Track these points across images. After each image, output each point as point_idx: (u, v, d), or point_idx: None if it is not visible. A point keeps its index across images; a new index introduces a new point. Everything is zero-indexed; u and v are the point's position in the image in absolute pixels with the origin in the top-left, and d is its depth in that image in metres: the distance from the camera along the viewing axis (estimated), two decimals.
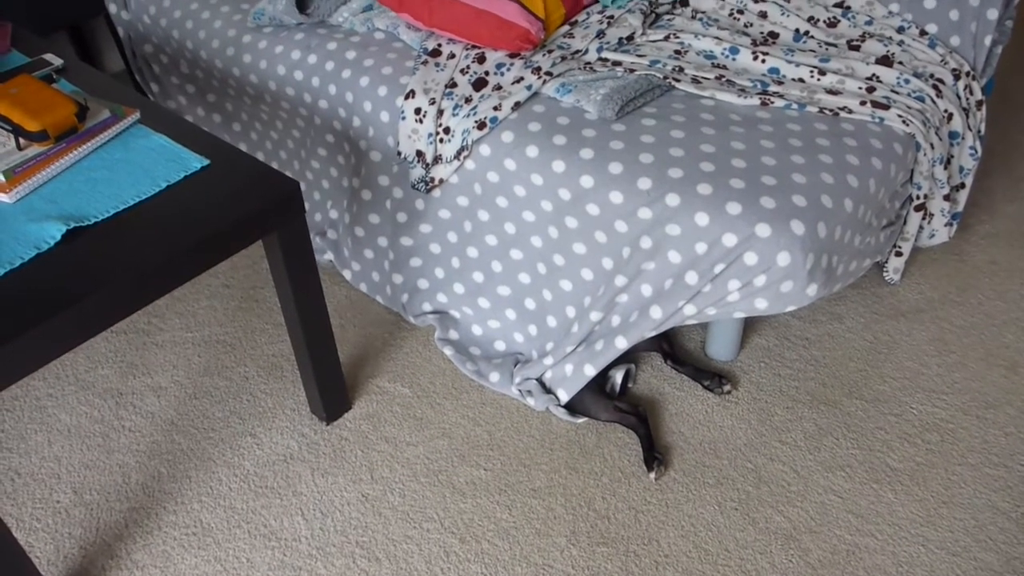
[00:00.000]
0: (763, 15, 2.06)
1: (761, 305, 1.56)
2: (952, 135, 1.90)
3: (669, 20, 2.07)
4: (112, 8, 2.44)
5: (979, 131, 1.98)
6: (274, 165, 2.33)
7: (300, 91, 2.02)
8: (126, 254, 1.29)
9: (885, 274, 2.10)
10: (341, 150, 2.03)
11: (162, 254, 1.30)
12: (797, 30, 2.01)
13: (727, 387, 1.85)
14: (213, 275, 2.20)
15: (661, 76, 1.82)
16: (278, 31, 2.09)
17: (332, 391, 1.77)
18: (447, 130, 1.77)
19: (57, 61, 1.78)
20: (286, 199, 1.43)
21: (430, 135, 1.78)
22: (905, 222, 1.94)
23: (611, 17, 2.01)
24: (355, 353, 1.98)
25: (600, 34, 1.96)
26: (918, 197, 1.86)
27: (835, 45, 1.98)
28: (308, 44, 2.02)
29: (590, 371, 1.74)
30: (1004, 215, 2.38)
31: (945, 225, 2.04)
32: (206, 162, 1.48)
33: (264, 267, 2.22)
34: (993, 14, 1.92)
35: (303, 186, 2.24)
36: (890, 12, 2.04)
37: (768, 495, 1.65)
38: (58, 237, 1.31)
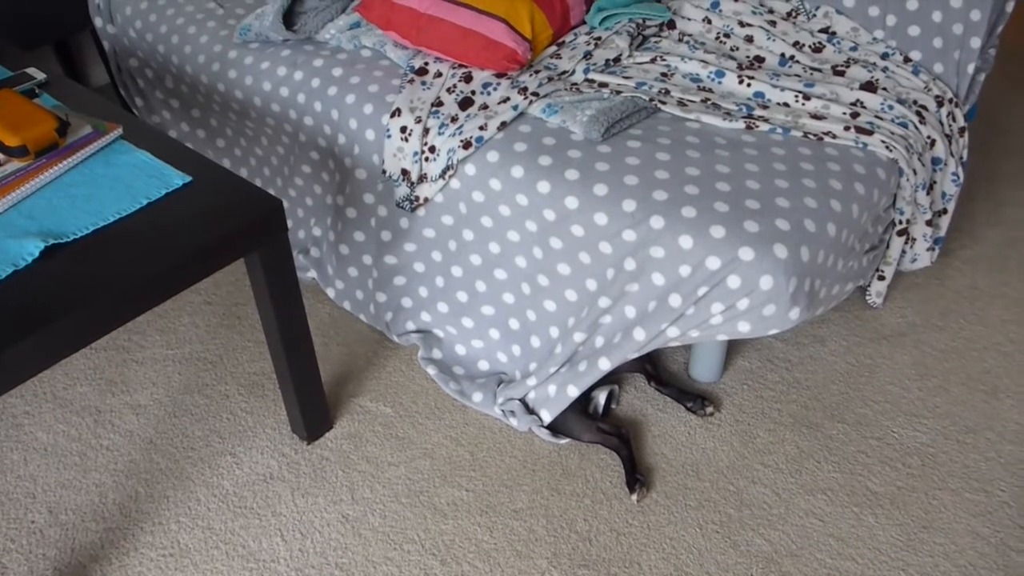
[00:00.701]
0: (749, 39, 2.08)
1: (744, 328, 1.56)
2: (935, 161, 1.92)
3: (656, 43, 2.08)
4: (98, 22, 2.43)
5: (961, 157, 2.00)
6: (258, 182, 2.32)
7: (285, 108, 2.02)
8: (105, 271, 1.28)
9: (868, 298, 2.11)
10: (326, 167, 2.02)
11: (142, 272, 1.28)
12: (783, 55, 2.03)
13: (710, 409, 1.85)
14: (195, 292, 2.18)
15: (647, 98, 1.83)
16: (264, 47, 2.09)
17: (313, 410, 1.76)
18: (432, 149, 1.77)
19: (40, 75, 1.77)
20: (268, 217, 1.42)
21: (415, 154, 1.78)
22: (888, 246, 1.95)
23: (598, 39, 2.01)
24: (337, 372, 1.97)
25: (587, 55, 1.97)
26: (900, 222, 1.87)
27: (820, 70, 1.99)
28: (294, 61, 2.02)
29: (573, 392, 1.74)
30: (986, 240, 2.40)
31: (927, 250, 2.05)
32: (188, 179, 1.47)
33: (247, 284, 2.21)
34: (976, 42, 1.94)
35: (286, 203, 2.23)
36: (875, 38, 2.06)
37: (750, 518, 1.65)
38: (36, 254, 1.29)
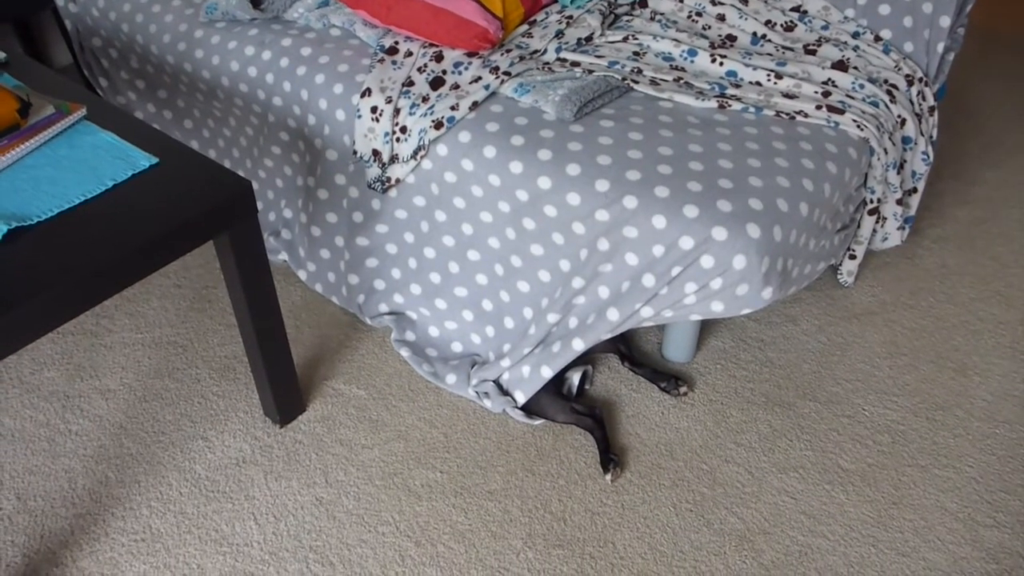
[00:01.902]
0: (721, 18, 2.07)
1: (717, 308, 1.56)
2: (905, 140, 1.93)
3: (628, 21, 2.07)
4: (59, 0, 2.38)
5: (931, 136, 2.01)
6: (226, 163, 2.29)
7: (253, 88, 1.99)
8: (71, 254, 1.26)
9: (839, 277, 2.13)
10: (296, 148, 2.00)
11: (108, 255, 1.26)
12: (755, 33, 2.03)
13: (683, 389, 1.86)
14: (164, 275, 2.15)
15: (619, 77, 1.82)
16: (231, 26, 2.05)
17: (286, 393, 1.75)
18: (404, 129, 1.75)
19: (0, 55, 1.72)
20: (237, 198, 1.40)
21: (386, 134, 1.76)
22: (859, 226, 1.96)
23: (570, 17, 2.00)
24: (310, 355, 1.95)
25: (559, 34, 1.95)
26: (871, 201, 1.89)
27: (792, 49, 2.00)
28: (262, 40, 1.98)
29: (547, 373, 1.73)
30: (955, 219, 2.43)
31: (898, 229, 2.07)
32: (155, 160, 1.44)
33: (217, 267, 2.18)
34: (945, 21, 1.95)
35: (256, 185, 2.20)
36: (846, 17, 2.06)
37: (723, 496, 1.66)
38: None
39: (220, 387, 1.87)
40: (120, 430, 1.77)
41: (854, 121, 1.75)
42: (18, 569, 1.51)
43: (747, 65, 1.88)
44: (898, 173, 1.90)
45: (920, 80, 1.96)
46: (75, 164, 1.43)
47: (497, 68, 1.81)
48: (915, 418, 1.83)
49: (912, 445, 1.77)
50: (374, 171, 1.81)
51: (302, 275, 2.10)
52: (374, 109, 1.77)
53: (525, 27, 2.00)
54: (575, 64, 1.89)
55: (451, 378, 1.85)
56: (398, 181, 1.80)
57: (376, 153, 1.79)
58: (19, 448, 1.72)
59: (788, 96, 1.81)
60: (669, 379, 1.86)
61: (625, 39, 1.99)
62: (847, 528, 1.61)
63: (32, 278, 1.21)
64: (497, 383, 1.81)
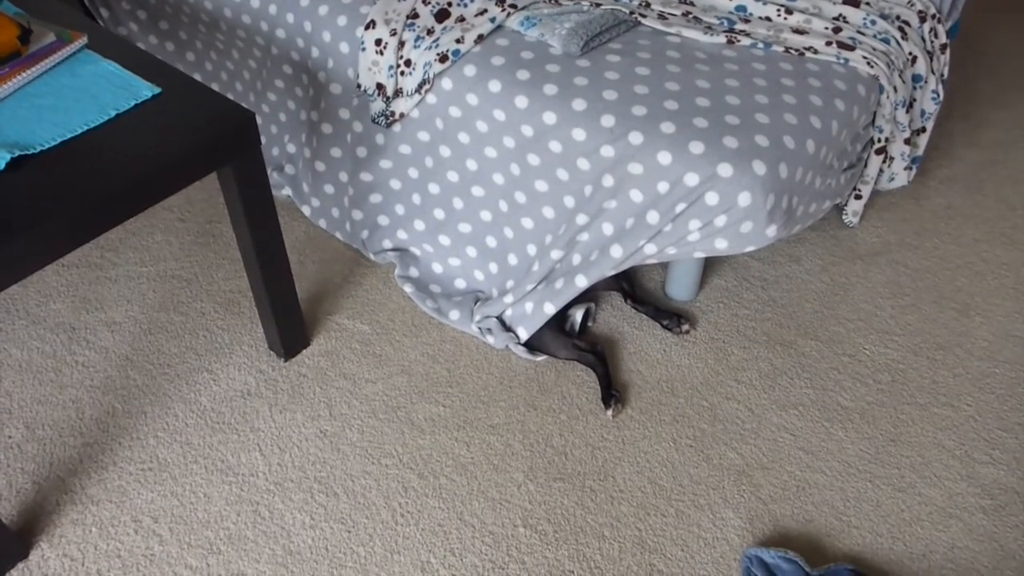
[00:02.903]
0: None
1: (721, 245, 1.56)
2: (915, 78, 1.90)
3: None
4: None
5: (942, 75, 1.99)
6: (229, 97, 2.27)
7: (256, 19, 1.96)
8: (74, 184, 1.25)
9: (844, 217, 2.12)
10: (299, 82, 1.98)
11: (111, 185, 1.26)
12: None
13: (685, 327, 1.86)
14: (168, 209, 2.15)
15: (627, 11, 1.79)
16: None
17: (290, 327, 1.76)
18: (408, 62, 1.73)
19: None
20: (241, 130, 1.39)
21: (391, 67, 1.74)
22: (866, 165, 1.94)
23: None
24: (314, 290, 1.96)
25: None
26: (879, 140, 1.87)
27: None
28: None
29: (550, 309, 1.74)
30: (962, 160, 2.41)
31: (905, 169, 2.05)
32: (157, 90, 1.43)
33: (221, 201, 2.18)
34: None
35: (259, 119, 2.18)
36: None
37: (722, 432, 1.68)
38: (1, 166, 1.26)
39: (225, 321, 1.88)
40: (126, 362, 1.79)
41: (864, 58, 1.72)
42: (29, 495, 1.54)
43: (757, 0, 1.85)
44: (907, 112, 1.88)
45: (933, 17, 1.93)
46: (77, 93, 1.42)
47: (503, 1, 1.78)
48: (915, 357, 1.84)
49: (911, 384, 1.78)
50: (378, 105, 1.79)
51: (306, 210, 2.10)
52: (378, 42, 1.75)
53: None
54: None
55: (454, 314, 1.86)
56: (402, 115, 1.78)
57: (380, 87, 1.77)
58: (27, 378, 1.74)
59: (798, 32, 1.78)
60: (671, 317, 1.87)
61: None
62: (845, 464, 1.63)
63: (35, 207, 1.21)
64: (500, 319, 1.82)
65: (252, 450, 1.63)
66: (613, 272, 1.67)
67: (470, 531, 1.51)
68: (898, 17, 1.89)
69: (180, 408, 1.70)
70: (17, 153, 1.28)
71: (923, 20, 1.91)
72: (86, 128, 1.35)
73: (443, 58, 1.69)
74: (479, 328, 1.83)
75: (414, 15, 1.78)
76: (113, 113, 1.38)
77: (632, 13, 1.79)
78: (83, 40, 1.52)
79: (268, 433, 1.66)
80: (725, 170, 1.48)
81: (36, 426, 1.66)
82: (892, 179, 2.09)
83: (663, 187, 1.53)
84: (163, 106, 1.41)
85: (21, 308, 1.89)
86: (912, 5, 1.92)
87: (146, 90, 1.43)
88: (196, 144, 1.34)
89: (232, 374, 1.77)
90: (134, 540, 1.48)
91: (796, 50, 1.73)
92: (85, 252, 2.02)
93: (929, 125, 2.05)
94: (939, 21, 1.94)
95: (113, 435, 1.65)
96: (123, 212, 1.29)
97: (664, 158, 1.51)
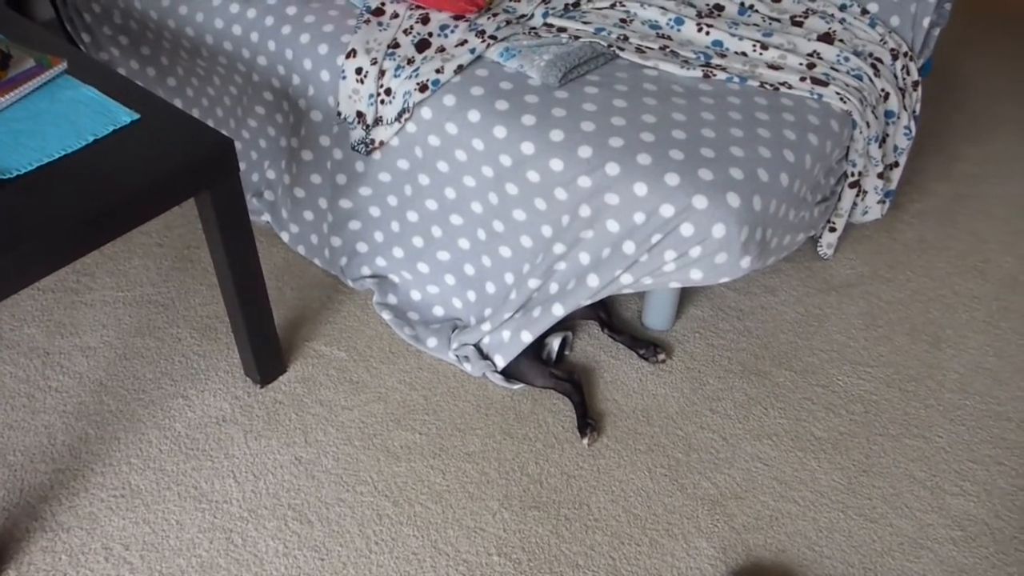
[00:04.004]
0: None
1: (696, 276, 1.58)
2: (888, 114, 1.94)
3: None
4: None
5: (914, 111, 2.02)
6: (209, 123, 2.27)
7: (238, 47, 1.97)
8: (50, 208, 1.25)
9: (819, 249, 2.14)
10: (280, 109, 1.99)
11: (88, 210, 1.26)
12: (742, 3, 2.03)
13: (662, 356, 1.88)
14: (146, 234, 2.15)
15: (605, 44, 1.82)
16: None
17: (266, 354, 1.75)
18: (388, 91, 1.74)
19: None
20: (219, 156, 1.39)
21: (371, 96, 1.76)
22: (839, 198, 1.97)
23: None
24: (291, 316, 1.96)
25: None
26: (853, 174, 1.90)
27: (779, 20, 2.00)
28: None
29: (527, 337, 1.75)
30: (935, 194, 2.44)
31: (878, 202, 2.09)
32: (136, 116, 1.44)
33: (199, 227, 2.18)
34: None
35: (239, 145, 2.19)
36: None
37: (697, 462, 1.69)
38: None
39: (201, 346, 1.87)
40: (100, 387, 1.77)
41: (837, 94, 1.76)
42: None
43: (733, 35, 1.88)
44: (880, 147, 1.91)
45: (905, 55, 1.97)
46: (55, 118, 1.42)
47: (483, 32, 1.81)
48: (888, 388, 1.86)
49: (884, 415, 1.80)
50: (358, 133, 1.81)
51: (284, 236, 2.10)
52: (359, 70, 1.76)
53: None
54: (561, 30, 1.88)
55: (432, 341, 1.86)
56: (382, 143, 1.80)
57: (360, 115, 1.78)
58: None
59: (773, 67, 1.82)
60: (648, 346, 1.88)
61: (612, 5, 1.98)
62: (817, 494, 1.64)
63: (10, 232, 1.21)
64: (477, 347, 1.83)
65: (226, 477, 1.62)
66: (590, 301, 1.68)
67: (444, 559, 1.51)
68: (871, 55, 1.93)
69: (154, 434, 1.69)
70: None
71: (895, 58, 1.95)
72: (64, 153, 1.35)
73: (423, 87, 1.70)
74: (456, 356, 1.84)
75: (395, 44, 1.80)
76: (91, 138, 1.38)
77: (610, 46, 1.82)
78: (63, 65, 1.52)
79: (243, 460, 1.65)
80: (700, 202, 1.49)
81: (7, 451, 1.64)
82: (866, 212, 2.12)
83: (639, 218, 1.55)
84: (142, 132, 1.42)
85: None
86: (885, 43, 1.96)
87: (125, 116, 1.44)
88: (174, 170, 1.34)
89: (207, 400, 1.76)
90: (104, 568, 1.47)
91: (771, 85, 1.76)
92: (61, 276, 2.01)
93: (902, 160, 2.09)
94: (911, 59, 1.98)
95: (85, 461, 1.63)
96: (100, 237, 1.29)
97: (640, 189, 1.53)
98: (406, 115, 1.73)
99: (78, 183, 1.30)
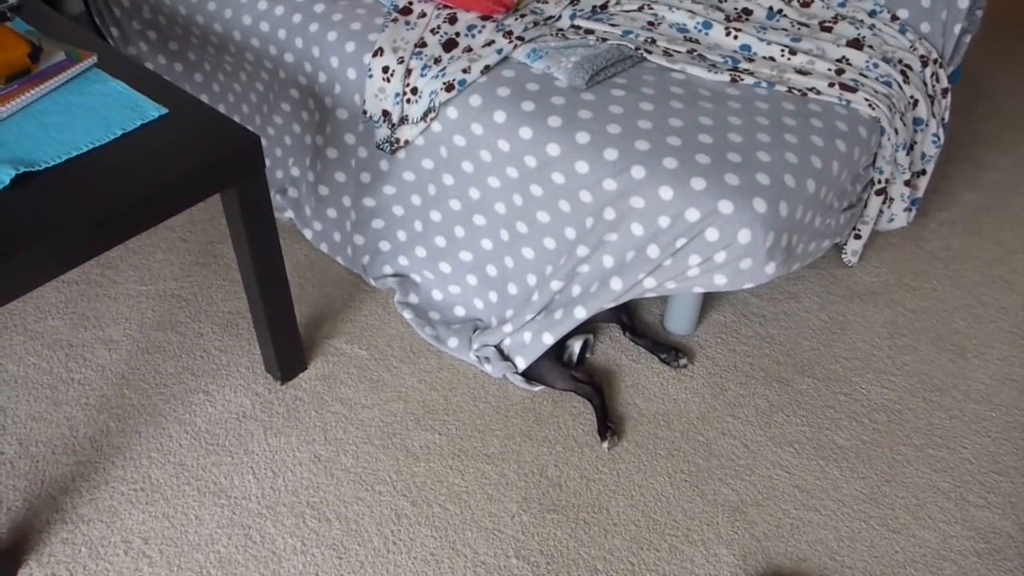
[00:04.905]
0: None
1: (720, 281, 1.57)
2: (916, 121, 1.92)
3: None
4: None
5: (943, 119, 2.00)
6: (236, 119, 2.28)
7: (265, 43, 1.98)
8: (78, 202, 1.26)
9: (843, 256, 2.13)
10: (305, 106, 1.99)
11: (115, 203, 1.26)
12: (771, 8, 2.01)
13: (683, 361, 1.86)
14: (170, 228, 2.16)
15: (633, 47, 1.81)
16: None
17: (288, 350, 1.76)
18: (415, 90, 1.74)
19: None
20: (246, 152, 1.40)
21: (397, 95, 1.76)
22: (866, 205, 1.96)
23: None
24: (313, 313, 1.96)
25: (574, 1, 1.94)
26: (879, 181, 1.88)
27: (807, 25, 1.98)
28: None
29: (548, 340, 1.74)
30: (962, 203, 2.42)
31: (904, 210, 2.07)
32: (164, 111, 1.44)
33: (223, 222, 2.18)
34: (964, 3, 1.94)
35: (264, 142, 2.20)
36: None
37: (718, 468, 1.68)
38: (7, 182, 1.27)
39: (223, 342, 1.88)
40: (122, 380, 1.78)
41: (866, 100, 1.74)
42: (19, 513, 1.53)
43: (761, 40, 1.87)
44: (907, 154, 1.89)
45: (935, 61, 1.95)
46: (84, 111, 1.43)
47: (511, 32, 1.80)
48: (912, 398, 1.84)
49: (907, 424, 1.78)
50: (383, 132, 1.81)
51: (308, 234, 2.11)
52: (386, 69, 1.76)
53: None
54: (589, 32, 1.88)
55: (453, 342, 1.86)
56: (407, 143, 1.80)
57: (386, 113, 1.79)
58: (22, 395, 1.74)
59: (801, 72, 1.80)
60: (669, 351, 1.87)
61: (640, 8, 1.97)
62: (839, 503, 1.62)
63: (38, 224, 1.22)
64: (498, 348, 1.82)
65: (245, 473, 1.62)
66: (612, 304, 1.67)
67: (462, 561, 1.50)
68: (900, 61, 1.91)
69: (175, 429, 1.69)
70: (22, 170, 1.29)
71: (925, 64, 1.93)
72: (92, 146, 1.36)
73: (449, 87, 1.70)
74: (477, 356, 1.83)
75: (422, 44, 1.80)
76: (119, 132, 1.39)
77: (638, 49, 1.81)
78: (92, 59, 1.53)
79: (262, 456, 1.65)
80: (726, 207, 1.48)
81: (30, 443, 1.65)
82: (892, 220, 2.10)
83: (664, 221, 1.54)
84: (169, 126, 1.42)
85: (19, 323, 1.89)
86: (915, 50, 1.94)
87: (153, 110, 1.44)
88: (200, 165, 1.35)
89: (228, 396, 1.76)
90: (123, 561, 1.47)
91: (799, 90, 1.75)
92: (85, 269, 2.03)
93: (929, 168, 2.07)
94: (941, 66, 1.96)
95: (106, 454, 1.64)
96: (125, 230, 1.29)
97: (666, 193, 1.52)
98: (432, 114, 1.73)
99: (106, 177, 1.31)
